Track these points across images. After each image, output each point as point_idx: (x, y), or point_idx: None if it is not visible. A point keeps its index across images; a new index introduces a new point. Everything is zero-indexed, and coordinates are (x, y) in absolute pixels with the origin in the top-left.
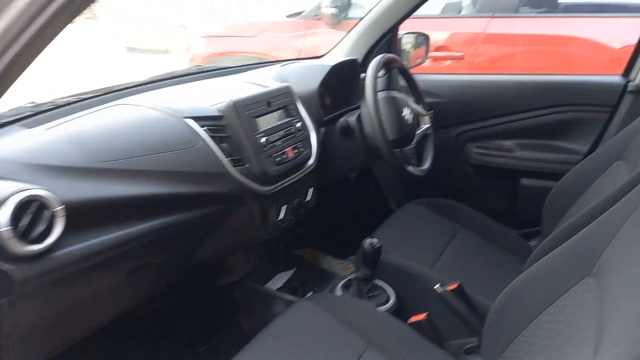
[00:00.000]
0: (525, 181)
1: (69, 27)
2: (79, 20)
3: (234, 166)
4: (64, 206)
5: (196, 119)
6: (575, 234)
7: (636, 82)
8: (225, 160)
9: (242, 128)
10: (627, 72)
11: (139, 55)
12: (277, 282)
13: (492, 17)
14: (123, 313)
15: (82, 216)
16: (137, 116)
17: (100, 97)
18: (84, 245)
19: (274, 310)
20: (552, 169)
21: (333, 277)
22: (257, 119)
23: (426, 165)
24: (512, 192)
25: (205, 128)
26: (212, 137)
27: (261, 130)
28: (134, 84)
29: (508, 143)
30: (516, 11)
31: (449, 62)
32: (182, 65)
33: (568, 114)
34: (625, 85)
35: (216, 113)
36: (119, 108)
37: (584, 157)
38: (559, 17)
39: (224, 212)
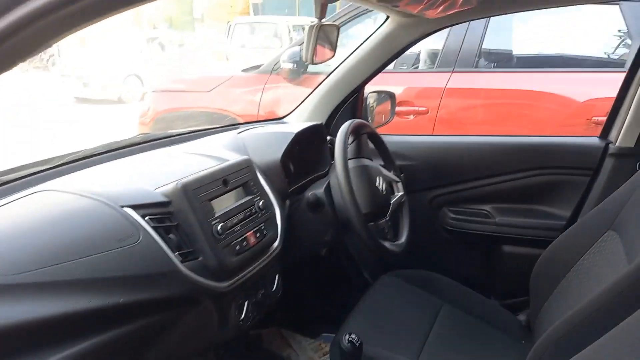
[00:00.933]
0: (507, 248)
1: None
2: (27, 67)
3: (183, 262)
4: None
5: (136, 207)
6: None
7: (617, 144)
8: (172, 256)
9: (194, 215)
10: (605, 134)
11: (90, 107)
12: None
13: (453, 71)
14: None
15: None
16: (62, 207)
17: (15, 183)
18: None
19: None
20: (534, 235)
21: None
22: (212, 202)
23: (403, 238)
24: (492, 260)
25: (148, 218)
26: (156, 228)
27: (217, 215)
28: (61, 162)
29: (486, 207)
30: (475, 66)
31: (412, 117)
32: (134, 115)
33: (547, 176)
34: (606, 147)
35: (161, 199)
36: (39, 197)
37: (567, 223)
38: (521, 71)
39: (173, 318)
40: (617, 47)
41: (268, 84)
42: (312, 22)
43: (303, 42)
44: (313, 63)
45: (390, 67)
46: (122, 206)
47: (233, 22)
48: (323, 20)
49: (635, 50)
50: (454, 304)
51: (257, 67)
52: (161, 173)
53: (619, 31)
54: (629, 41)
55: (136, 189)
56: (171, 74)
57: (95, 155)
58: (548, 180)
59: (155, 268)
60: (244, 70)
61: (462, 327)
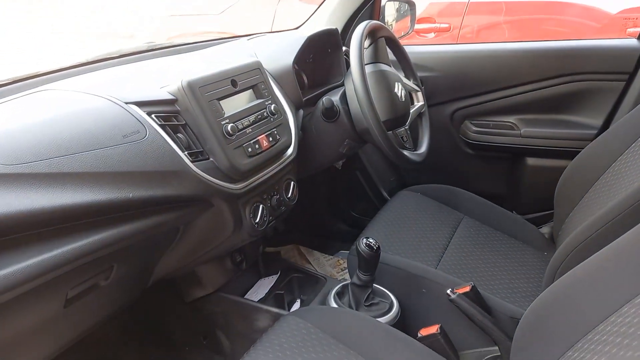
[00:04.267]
0: (531, 161)
1: None
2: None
3: (194, 161)
4: None
5: (141, 104)
6: (614, 227)
7: None
8: (182, 155)
9: (202, 113)
10: None
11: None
12: (258, 291)
13: None
14: (67, 345)
15: None
16: (65, 104)
17: (21, 83)
18: (2, 274)
19: (257, 324)
20: (562, 146)
21: (323, 282)
22: (220, 102)
23: (423, 148)
24: (516, 174)
25: (154, 115)
26: (163, 126)
27: (226, 115)
28: (66, 67)
29: (510, 119)
30: None
31: (432, 34)
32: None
33: (577, 83)
34: None
35: (167, 96)
36: (43, 95)
37: (599, 132)
38: None
39: (187, 218)
40: None
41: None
42: None
43: None
44: None
45: None
46: (127, 102)
47: None
48: None
49: None
50: (475, 217)
51: None
52: (167, 75)
53: None
54: None
55: (141, 88)
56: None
57: (100, 61)
58: (578, 87)
59: (164, 166)
60: None
61: (482, 238)
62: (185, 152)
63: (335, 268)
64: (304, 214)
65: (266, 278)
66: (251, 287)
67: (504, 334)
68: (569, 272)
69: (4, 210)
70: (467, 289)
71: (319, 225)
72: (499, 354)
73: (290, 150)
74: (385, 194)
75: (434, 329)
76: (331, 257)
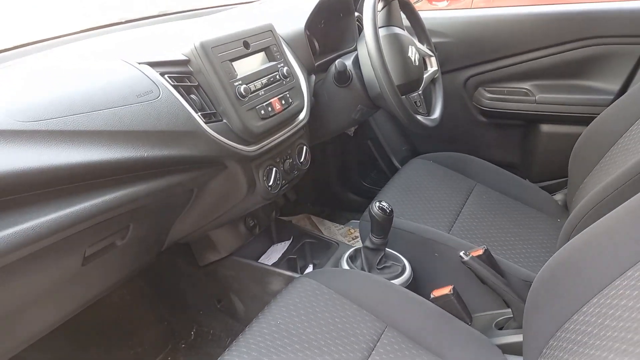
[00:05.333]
0: (546, 127)
1: None
2: None
3: (208, 123)
4: None
5: (154, 64)
6: (629, 189)
7: None
8: (195, 115)
9: (215, 74)
10: None
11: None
12: (271, 256)
13: None
14: (84, 306)
15: (9, 192)
16: (79, 65)
17: (37, 45)
18: (18, 230)
19: (271, 288)
20: (577, 112)
21: (336, 247)
22: (233, 63)
23: (437, 114)
24: (530, 141)
25: (167, 76)
26: (176, 87)
27: (239, 77)
28: (79, 30)
29: (525, 86)
30: None
31: (446, 2)
32: None
33: (595, 48)
34: None
35: (180, 57)
36: (57, 56)
37: (615, 98)
38: None
39: (201, 179)
40: None
41: None
42: None
43: None
44: None
45: None
46: (140, 63)
47: None
48: None
49: None
50: (488, 184)
51: None
52: (179, 38)
53: None
54: None
55: (153, 50)
56: None
57: (112, 25)
58: (595, 52)
59: (178, 126)
60: None
61: (495, 205)
62: (199, 114)
63: (346, 237)
64: (315, 184)
65: (279, 244)
66: (264, 253)
67: (517, 295)
68: (584, 231)
69: (22, 166)
70: (480, 252)
71: (330, 195)
72: (511, 315)
73: (302, 115)
74: (396, 163)
75: (446, 290)
76: (342, 226)
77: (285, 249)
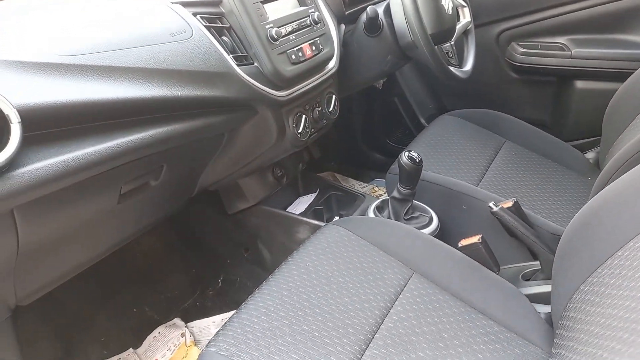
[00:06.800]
0: (580, 84)
1: None
2: None
3: (239, 65)
4: (15, 110)
5: (186, 4)
6: None
7: None
8: (227, 57)
9: (247, 16)
10: None
11: None
12: (297, 207)
13: None
14: (118, 246)
15: (49, 125)
16: (113, 4)
17: None
18: (57, 161)
19: (298, 236)
20: (614, 67)
21: (362, 199)
22: (264, 6)
23: (468, 65)
24: (563, 98)
25: (199, 16)
26: (208, 28)
27: (270, 20)
28: None
29: (561, 40)
30: None
31: None
32: None
33: None
34: None
35: None
36: None
37: None
38: None
39: (232, 123)
40: None
41: None
42: None
43: None
44: None
45: None
46: (173, 2)
47: None
48: None
49: None
50: (518, 141)
51: None
52: None
53: None
54: None
55: None
56: None
57: None
58: (635, 3)
59: (210, 67)
60: None
61: (525, 161)
62: (231, 56)
63: (370, 195)
64: (339, 142)
65: (305, 195)
66: (290, 204)
67: (546, 247)
68: (620, 177)
69: (65, 99)
70: (510, 204)
71: (355, 154)
72: (538, 268)
73: (332, 63)
74: (423, 121)
75: (475, 239)
76: (366, 184)
77: (311, 201)
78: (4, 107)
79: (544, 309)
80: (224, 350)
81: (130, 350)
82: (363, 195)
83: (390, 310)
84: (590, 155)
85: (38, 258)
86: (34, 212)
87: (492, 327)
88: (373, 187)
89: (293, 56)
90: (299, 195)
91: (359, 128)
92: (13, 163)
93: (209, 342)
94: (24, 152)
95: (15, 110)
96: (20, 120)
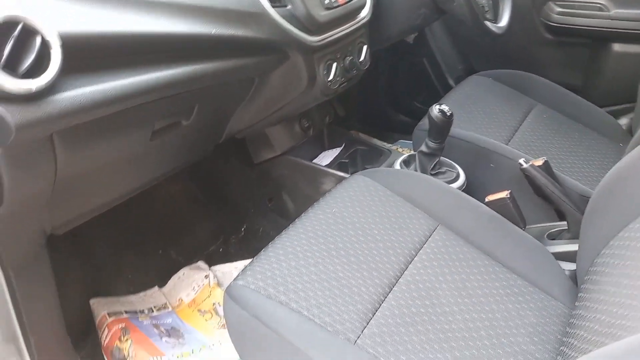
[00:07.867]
0: (618, 47)
1: None
2: None
3: (273, 6)
4: (57, 36)
5: None
6: None
7: None
8: None
9: None
10: None
11: None
12: (323, 160)
13: None
14: (147, 186)
15: (88, 54)
16: None
17: None
18: (95, 89)
19: (323, 187)
20: None
21: (388, 154)
22: None
23: (504, 21)
24: (599, 61)
25: None
26: None
27: None
28: None
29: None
30: None
31: None
32: None
33: None
34: None
35: None
36: None
37: None
38: None
39: (264, 67)
40: None
41: None
42: None
43: None
44: None
45: None
46: None
47: None
48: None
49: None
50: (549, 104)
51: None
52: None
53: None
54: None
55: None
56: None
57: None
58: None
59: (243, 5)
60: None
61: (556, 124)
62: None
63: None
64: (364, 102)
65: (330, 150)
66: (316, 157)
67: (575, 206)
68: None
69: (104, 29)
70: (540, 162)
71: (379, 114)
72: (565, 228)
73: (365, 11)
74: (452, 82)
75: (503, 194)
76: (390, 145)
77: (337, 154)
78: (47, 32)
79: (568, 266)
80: (251, 284)
81: (156, 288)
82: (389, 151)
83: (415, 258)
84: (623, 121)
85: (73, 188)
86: (72, 140)
87: (515, 281)
88: (397, 148)
89: (326, 1)
90: (324, 148)
91: (384, 88)
92: (53, 88)
93: (236, 276)
94: (64, 79)
95: (57, 36)
96: (61, 46)
